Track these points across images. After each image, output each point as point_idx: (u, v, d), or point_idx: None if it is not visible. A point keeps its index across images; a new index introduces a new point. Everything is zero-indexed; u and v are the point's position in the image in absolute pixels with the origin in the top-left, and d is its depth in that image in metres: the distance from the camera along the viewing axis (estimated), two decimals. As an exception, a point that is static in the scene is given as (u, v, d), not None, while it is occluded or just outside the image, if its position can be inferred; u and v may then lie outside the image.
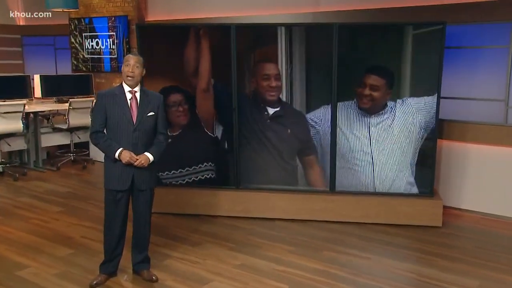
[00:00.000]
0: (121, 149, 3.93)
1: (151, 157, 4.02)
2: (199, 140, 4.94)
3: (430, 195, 5.53)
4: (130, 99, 3.98)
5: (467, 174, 6.05)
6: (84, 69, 9.34)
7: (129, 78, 3.94)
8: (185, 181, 5.36)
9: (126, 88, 3.99)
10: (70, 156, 8.59)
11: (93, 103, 8.05)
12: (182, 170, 5.13)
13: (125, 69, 3.94)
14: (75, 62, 9.50)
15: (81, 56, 9.36)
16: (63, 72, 9.82)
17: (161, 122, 4.14)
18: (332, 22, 5.57)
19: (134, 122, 3.95)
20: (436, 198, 5.58)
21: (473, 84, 5.83)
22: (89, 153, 8.95)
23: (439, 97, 5.28)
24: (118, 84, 4.10)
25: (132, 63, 3.93)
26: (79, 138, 8.61)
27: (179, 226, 5.52)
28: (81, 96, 8.69)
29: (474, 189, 6.04)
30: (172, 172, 5.13)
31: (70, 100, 8.03)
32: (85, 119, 8.19)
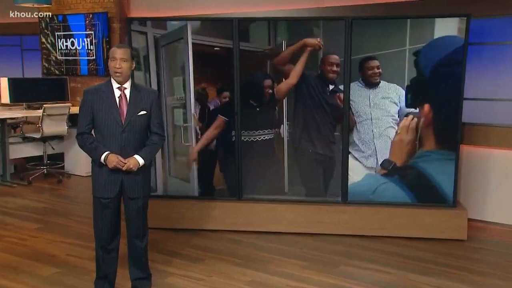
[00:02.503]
0: (107, 152, 3.91)
1: (140, 160, 3.99)
2: (272, 113, 6.02)
3: (452, 206, 5.62)
4: (118, 97, 3.97)
5: (492, 183, 6.18)
6: (57, 72, 9.34)
7: (117, 74, 3.91)
8: (255, 139, 5.98)
9: (115, 85, 3.97)
10: (43, 169, 8.55)
11: (70, 110, 8.07)
12: (261, 131, 5.97)
13: (111, 64, 3.91)
14: (46, 65, 9.50)
15: (54, 58, 9.38)
16: (31, 76, 9.78)
17: (156, 121, 4.10)
18: (345, 16, 5.75)
19: (123, 123, 3.94)
20: (460, 208, 5.68)
21: (498, 83, 5.99)
22: (64, 166, 8.92)
23: (462, 98, 5.41)
24: (106, 80, 4.07)
25: (119, 57, 3.90)
26: (53, 149, 8.58)
27: (176, 241, 5.55)
28: (55, 102, 8.67)
29: (500, 199, 6.16)
30: (253, 131, 5.94)
31: (44, 106, 8.00)
32: (60, 127, 8.18)
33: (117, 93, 3.96)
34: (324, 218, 5.76)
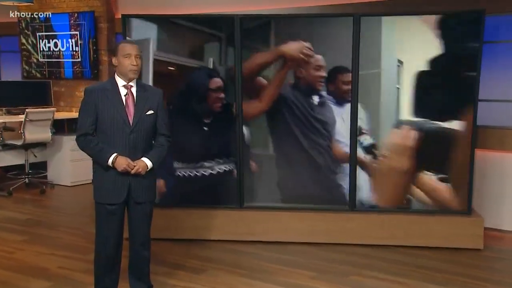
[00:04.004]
0: (115, 154, 3.91)
1: (149, 163, 4.01)
2: (226, 133, 5.52)
3: (467, 213, 5.67)
4: (125, 95, 3.98)
5: (507, 189, 6.24)
6: (38, 75, 9.31)
7: (134, 71, 3.94)
8: (203, 172, 5.69)
9: (120, 82, 3.99)
10: (25, 178, 8.50)
11: (53, 116, 8.05)
12: (213, 162, 5.62)
13: (126, 61, 3.92)
14: (26, 68, 9.47)
15: (35, 60, 9.35)
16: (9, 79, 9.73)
17: (162, 122, 4.14)
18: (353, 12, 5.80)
19: (131, 123, 3.95)
20: (475, 216, 5.72)
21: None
22: (47, 175, 8.89)
23: (476, 100, 5.48)
24: (110, 78, 4.11)
25: (134, 53, 3.93)
26: (36, 157, 8.55)
27: (174, 252, 5.55)
28: (37, 106, 8.62)
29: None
30: (200, 162, 5.54)
31: (26, 110, 7.96)
32: (44, 134, 8.15)
33: (123, 91, 3.98)
34: (330, 227, 5.78)
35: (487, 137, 6.17)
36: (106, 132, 3.96)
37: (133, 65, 3.92)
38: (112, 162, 3.90)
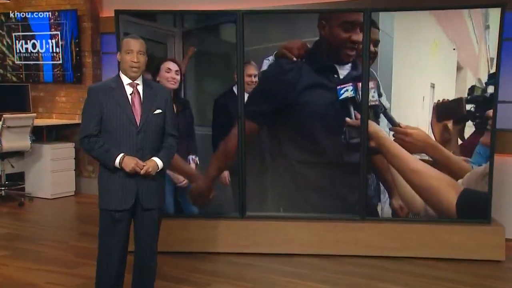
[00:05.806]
0: (122, 154, 3.89)
1: (159, 162, 4.00)
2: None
3: (486, 222, 5.70)
4: (131, 94, 3.99)
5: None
6: (14, 79, 9.26)
7: (133, 69, 3.95)
8: None
9: (125, 80, 4.00)
10: (1, 190, 8.42)
11: (33, 122, 8.00)
12: None
13: (127, 57, 3.94)
14: (1, 71, 9.41)
15: (10, 63, 9.30)
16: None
17: (170, 122, 4.14)
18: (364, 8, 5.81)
19: (138, 123, 3.95)
20: (495, 225, 5.75)
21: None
22: (24, 187, 8.82)
23: (496, 101, 5.55)
24: (114, 76, 4.11)
25: (136, 50, 3.94)
26: (13, 167, 8.49)
27: (175, 265, 5.52)
28: (13, 112, 8.53)
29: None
30: None
31: (4, 116, 7.91)
32: (23, 142, 8.10)
33: (128, 89, 3.99)
34: (340, 237, 5.79)
35: (505, 140, 6.21)
36: (111, 133, 3.96)
37: (133, 61, 3.92)
38: (120, 163, 3.89)
